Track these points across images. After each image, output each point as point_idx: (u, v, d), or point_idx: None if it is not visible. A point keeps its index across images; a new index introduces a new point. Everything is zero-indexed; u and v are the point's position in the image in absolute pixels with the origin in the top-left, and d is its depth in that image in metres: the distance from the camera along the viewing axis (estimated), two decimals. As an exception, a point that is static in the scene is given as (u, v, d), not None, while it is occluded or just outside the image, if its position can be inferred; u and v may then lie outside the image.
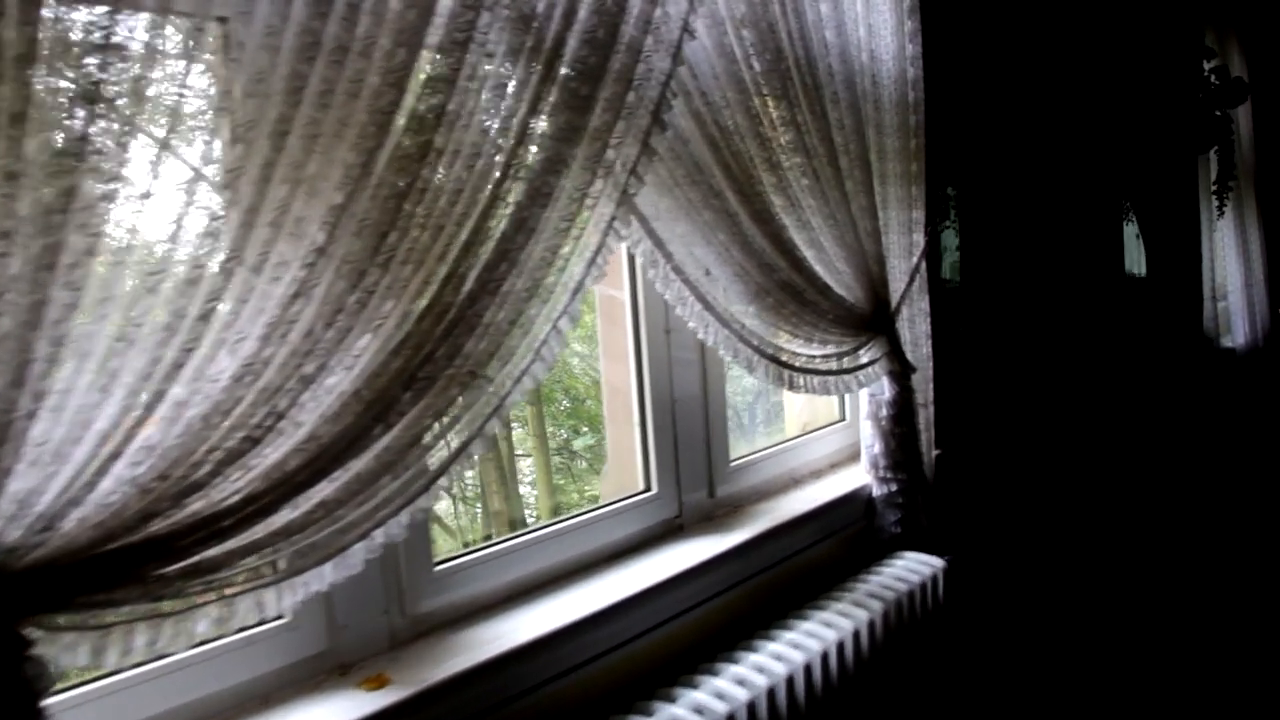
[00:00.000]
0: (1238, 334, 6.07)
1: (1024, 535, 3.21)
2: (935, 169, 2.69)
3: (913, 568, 2.23)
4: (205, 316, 1.06)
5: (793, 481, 2.42)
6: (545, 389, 4.39)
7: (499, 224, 1.33)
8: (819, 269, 2.05)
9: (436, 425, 1.30)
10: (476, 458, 1.38)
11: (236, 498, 1.11)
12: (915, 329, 2.43)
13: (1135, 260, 4.55)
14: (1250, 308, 6.14)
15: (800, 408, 2.75)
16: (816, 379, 2.06)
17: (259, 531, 1.13)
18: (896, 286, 2.33)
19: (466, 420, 1.33)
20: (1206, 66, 4.62)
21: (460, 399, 1.31)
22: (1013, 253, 3.26)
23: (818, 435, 2.55)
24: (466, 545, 2.00)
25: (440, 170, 1.27)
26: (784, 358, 1.97)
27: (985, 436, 3.05)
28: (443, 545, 3.57)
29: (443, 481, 1.31)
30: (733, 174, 1.79)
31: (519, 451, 4.20)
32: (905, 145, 2.38)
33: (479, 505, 4.02)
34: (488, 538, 1.88)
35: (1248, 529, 4.22)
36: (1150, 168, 4.23)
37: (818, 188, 2.02)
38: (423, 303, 1.26)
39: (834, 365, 2.10)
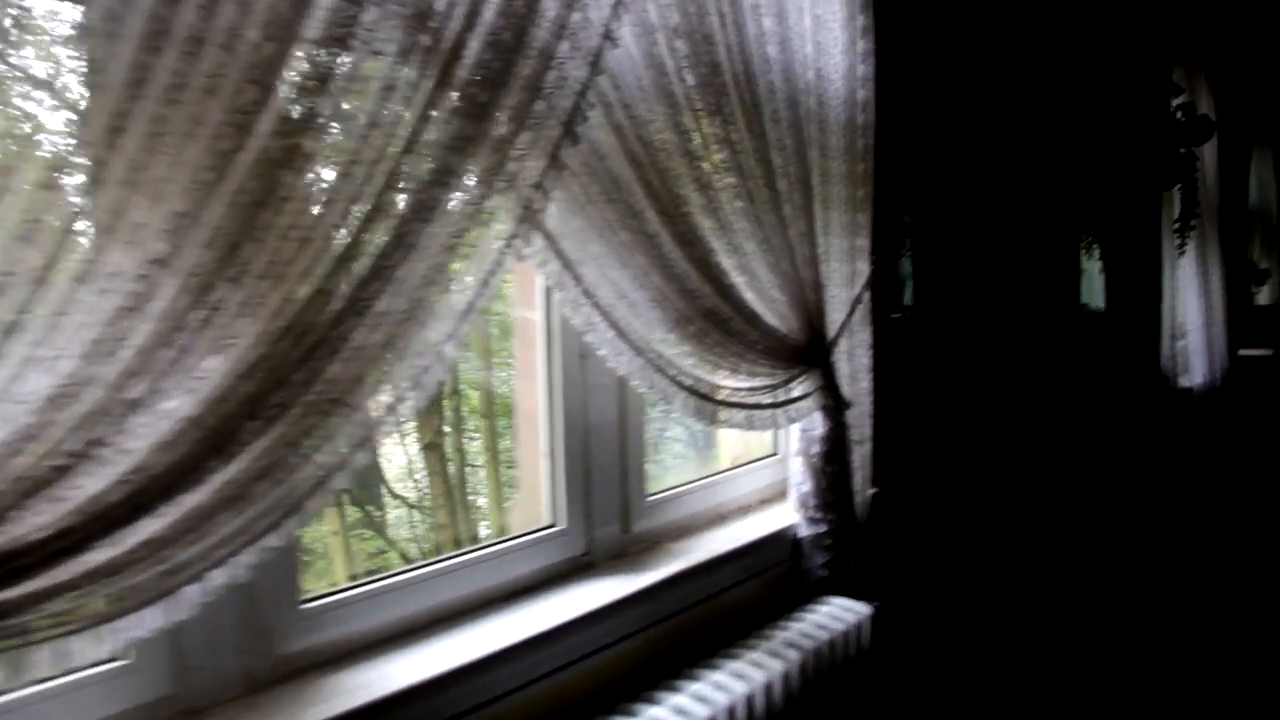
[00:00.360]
0: (1196, 374, 6.08)
1: (961, 580, 3.14)
2: (888, 195, 2.63)
3: (837, 614, 2.15)
4: (9, 330, 0.95)
5: (718, 518, 2.33)
6: (499, 403, 4.28)
7: (376, 238, 1.23)
8: (750, 296, 1.97)
9: (292, 457, 1.19)
10: (340, 490, 1.28)
11: (43, 533, 1.00)
12: (855, 362, 2.36)
13: (1094, 295, 4.52)
14: (1209, 347, 6.16)
15: (734, 439, 2.66)
16: (742, 413, 1.97)
17: (67, 572, 1.02)
18: (836, 317, 2.26)
19: (327, 452, 1.22)
20: (1173, 103, 4.61)
21: (319, 429, 1.21)
22: (968, 283, 3.21)
23: (748, 469, 2.47)
24: (349, 579, 1.89)
25: (308, 178, 1.17)
26: (705, 390, 1.88)
27: (928, 475, 2.99)
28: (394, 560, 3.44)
29: (294, 520, 1.20)
30: (656, 193, 1.71)
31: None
32: (852, 169, 2.31)
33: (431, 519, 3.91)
34: (370, 573, 1.78)
35: (1196, 573, 4.20)
36: (1113, 202, 4.20)
37: (752, 210, 1.94)
38: (281, 323, 1.16)
39: (762, 399, 2.02)
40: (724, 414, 1.92)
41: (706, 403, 1.88)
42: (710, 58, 1.84)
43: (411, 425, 2.94)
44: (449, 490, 3.75)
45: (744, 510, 2.40)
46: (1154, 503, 4.75)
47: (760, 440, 2.57)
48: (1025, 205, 3.49)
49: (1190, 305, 5.85)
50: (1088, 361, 4.19)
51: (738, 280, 1.93)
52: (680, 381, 1.81)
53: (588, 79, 1.52)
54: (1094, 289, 4.57)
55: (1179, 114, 4.57)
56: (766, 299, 2.01)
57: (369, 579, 1.65)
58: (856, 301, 2.33)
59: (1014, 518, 3.49)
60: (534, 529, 1.93)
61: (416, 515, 3.87)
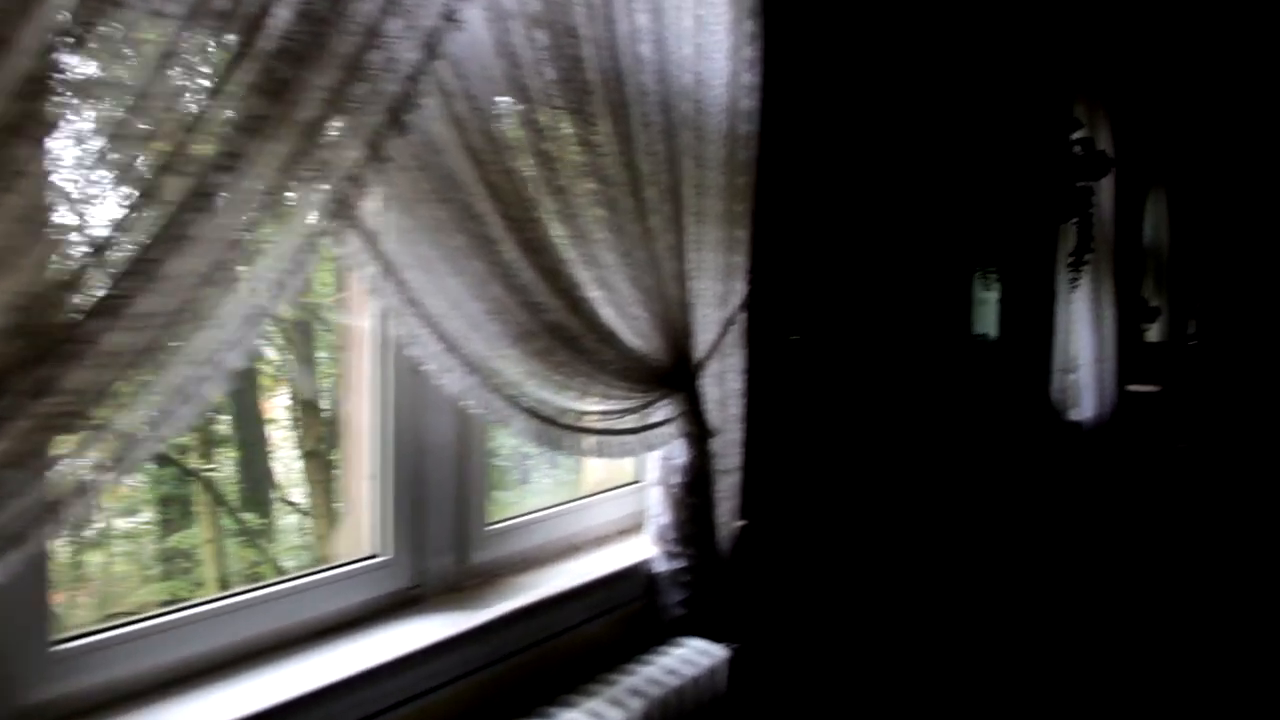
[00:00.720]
0: (1086, 407, 6.23)
1: (831, 620, 3.09)
2: (772, 212, 2.56)
3: (690, 657, 2.05)
4: None
5: (571, 549, 2.21)
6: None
7: (139, 227, 1.08)
8: (608, 313, 1.86)
9: (15, 478, 1.03)
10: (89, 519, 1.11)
11: None
12: (725, 386, 2.27)
13: (987, 326, 4.56)
14: (1100, 382, 6.32)
15: (600, 463, 2.55)
16: (591, 439, 1.86)
17: None
18: (705, 338, 2.17)
19: (61, 475, 1.06)
20: (1072, 137, 4.69)
21: (52, 446, 1.05)
22: (855, 308, 3.16)
23: (608, 497, 2.35)
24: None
25: (49, 154, 1.01)
26: (549, 413, 1.76)
27: (803, 507, 2.93)
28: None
29: (14, 552, 1.03)
30: (501, 194, 1.58)
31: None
32: (731, 182, 2.22)
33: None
34: (167, 604, 1.60)
35: (1077, 610, 4.25)
36: (1009, 232, 4.24)
37: (614, 220, 1.84)
38: (8, 320, 1.00)
39: (615, 424, 1.91)
40: (570, 439, 1.80)
41: (550, 427, 1.76)
42: (573, 51, 1.72)
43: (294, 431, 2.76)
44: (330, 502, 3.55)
45: (600, 541, 2.29)
46: (1039, 536, 4.81)
47: (626, 465, 2.47)
48: (917, 231, 3.47)
49: (1083, 340, 5.99)
50: (977, 392, 4.21)
51: (594, 294, 1.82)
52: (520, 403, 1.69)
53: (422, 63, 1.39)
54: (989, 319, 4.62)
55: (1077, 148, 4.64)
56: (626, 316, 1.90)
57: (152, 613, 1.48)
58: (729, 322, 2.24)
59: (893, 553, 3.46)
60: (355, 558, 1.78)
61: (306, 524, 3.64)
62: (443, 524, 1.88)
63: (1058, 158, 4.46)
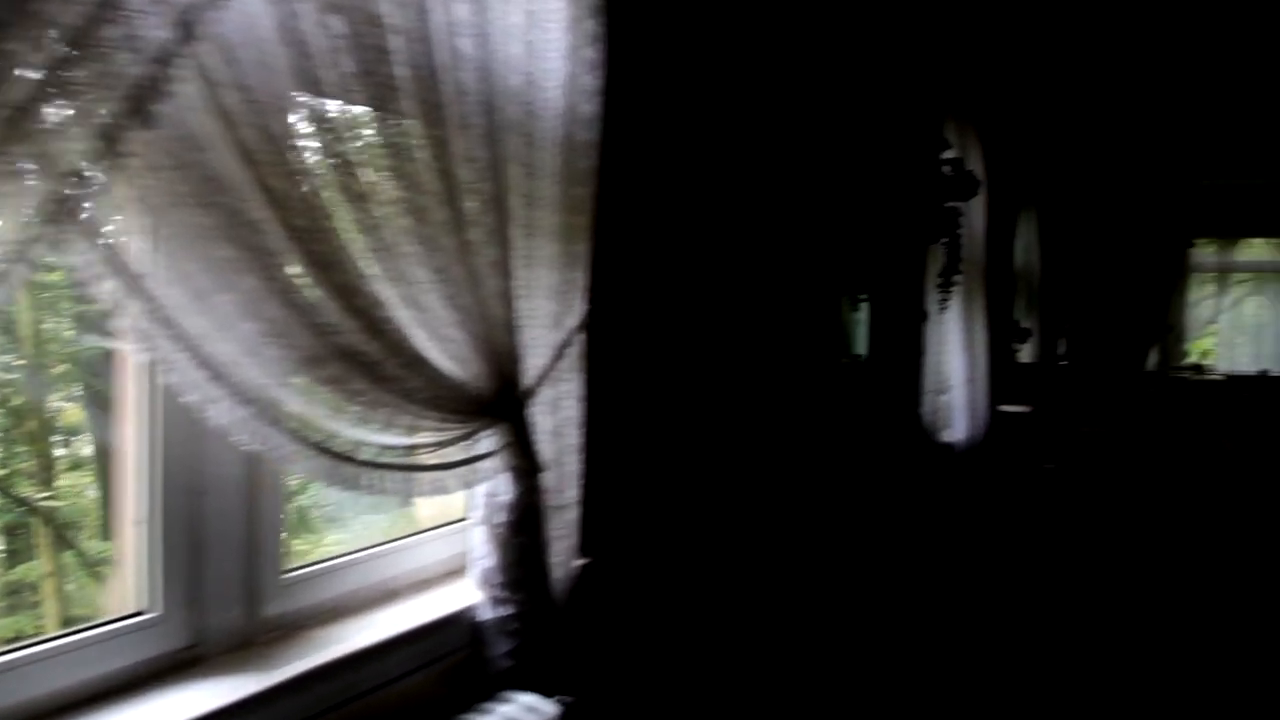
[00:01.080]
0: (958, 429, 6.33)
1: (682, 668, 2.97)
2: (616, 226, 2.45)
3: (515, 715, 1.90)
4: None
5: (388, 595, 2.04)
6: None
7: None
8: (419, 335, 1.70)
9: None
10: None
11: None
12: (560, 414, 2.13)
13: (854, 348, 4.56)
14: (972, 403, 6.43)
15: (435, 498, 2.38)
16: (397, 476, 1.70)
17: None
18: (536, 362, 2.03)
19: None
20: (942, 157, 4.74)
21: None
22: (707, 330, 3.08)
23: (434, 536, 2.19)
24: None
25: None
26: (343, 448, 1.59)
27: (650, 543, 2.81)
28: None
29: None
30: (281, 200, 1.41)
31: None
32: (568, 193, 2.09)
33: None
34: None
35: (948, 639, 4.25)
36: (876, 253, 4.24)
37: (425, 232, 1.68)
38: None
39: (425, 459, 1.75)
40: (370, 477, 1.64)
41: (344, 463, 1.59)
42: (376, 42, 1.57)
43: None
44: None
45: (423, 586, 2.12)
46: (909, 564, 4.82)
47: (461, 500, 2.30)
48: (778, 249, 3.41)
49: (954, 361, 6.07)
50: (845, 415, 4.18)
51: (401, 314, 1.66)
52: (306, 437, 1.51)
53: (175, 44, 1.21)
54: (855, 343, 4.61)
55: (947, 169, 4.69)
56: (441, 339, 1.75)
57: None
58: (565, 345, 2.11)
59: (752, 590, 3.37)
60: (119, 616, 1.58)
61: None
62: (227, 573, 1.68)
63: (927, 177, 4.49)
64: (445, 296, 1.73)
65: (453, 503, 2.30)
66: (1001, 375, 7.51)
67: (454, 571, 2.19)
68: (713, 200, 3.06)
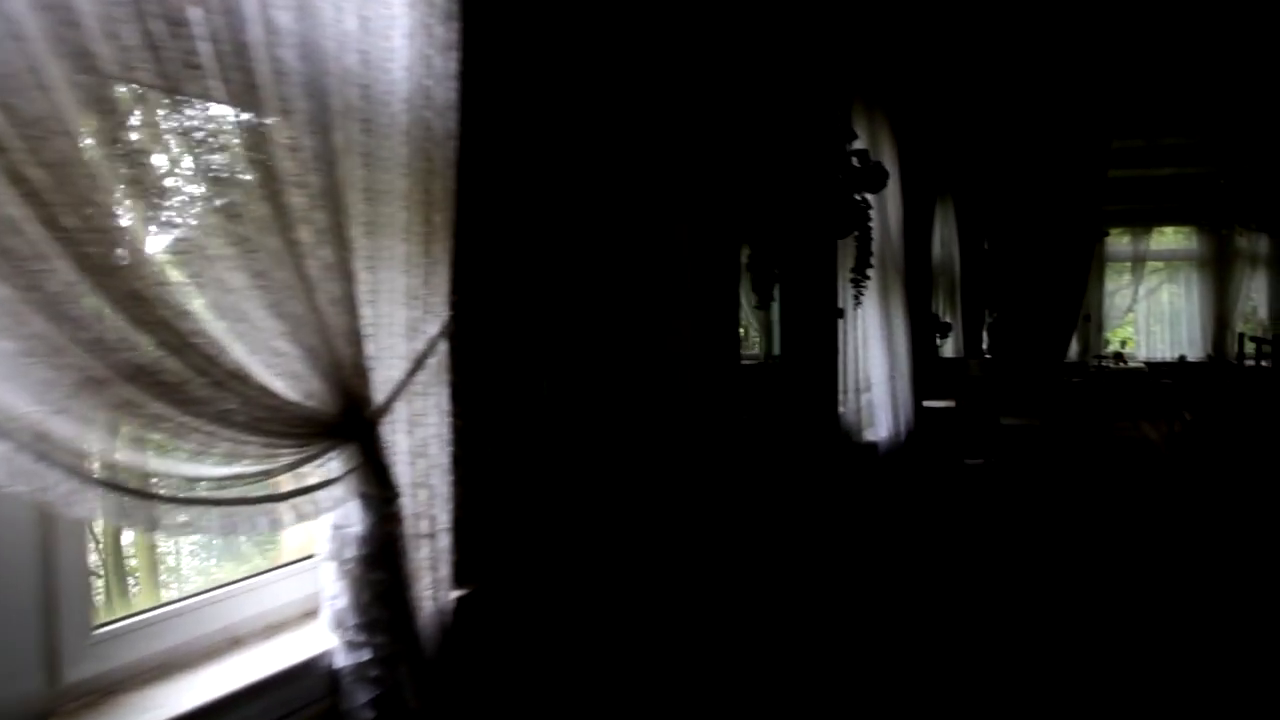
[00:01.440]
0: (881, 427, 6.26)
1: (582, 698, 2.80)
2: (487, 224, 2.29)
3: (376, 773, 1.71)
4: None
5: (231, 644, 1.83)
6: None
7: None
8: (237, 349, 1.50)
9: None
10: None
11: None
12: (422, 432, 1.95)
13: (764, 348, 4.44)
14: (894, 400, 6.37)
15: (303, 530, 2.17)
16: (212, 512, 1.49)
17: None
18: (389, 375, 1.84)
19: None
20: (849, 148, 4.66)
21: None
22: (594, 332, 2.92)
23: (285, 574, 1.98)
24: None
25: None
26: (135, 483, 1.38)
27: (540, 566, 2.63)
28: None
29: None
30: (39, 195, 1.21)
31: None
32: (422, 188, 1.91)
33: None
34: None
35: (870, 647, 4.15)
36: (784, 248, 4.12)
37: (238, 231, 1.49)
38: None
39: (250, 491, 1.55)
40: (172, 515, 1.43)
41: (139, 500, 1.38)
42: (164, 11, 1.38)
43: None
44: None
45: (272, 631, 1.91)
46: (825, 569, 4.71)
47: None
48: (666, 249, 3.27)
49: (874, 358, 6.01)
50: (755, 418, 4.05)
51: (214, 326, 1.46)
52: (86, 473, 1.31)
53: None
54: (765, 343, 4.50)
55: (854, 159, 4.60)
56: (266, 352, 1.55)
57: None
58: (425, 354, 1.92)
59: (656, 611, 3.21)
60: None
61: None
62: (18, 636, 1.47)
63: (832, 167, 4.39)
64: (269, 304, 1.54)
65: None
66: (925, 371, 7.50)
67: (310, 613, 1.99)
68: (593, 193, 2.90)
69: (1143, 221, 14.80)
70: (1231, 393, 9.06)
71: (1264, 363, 9.99)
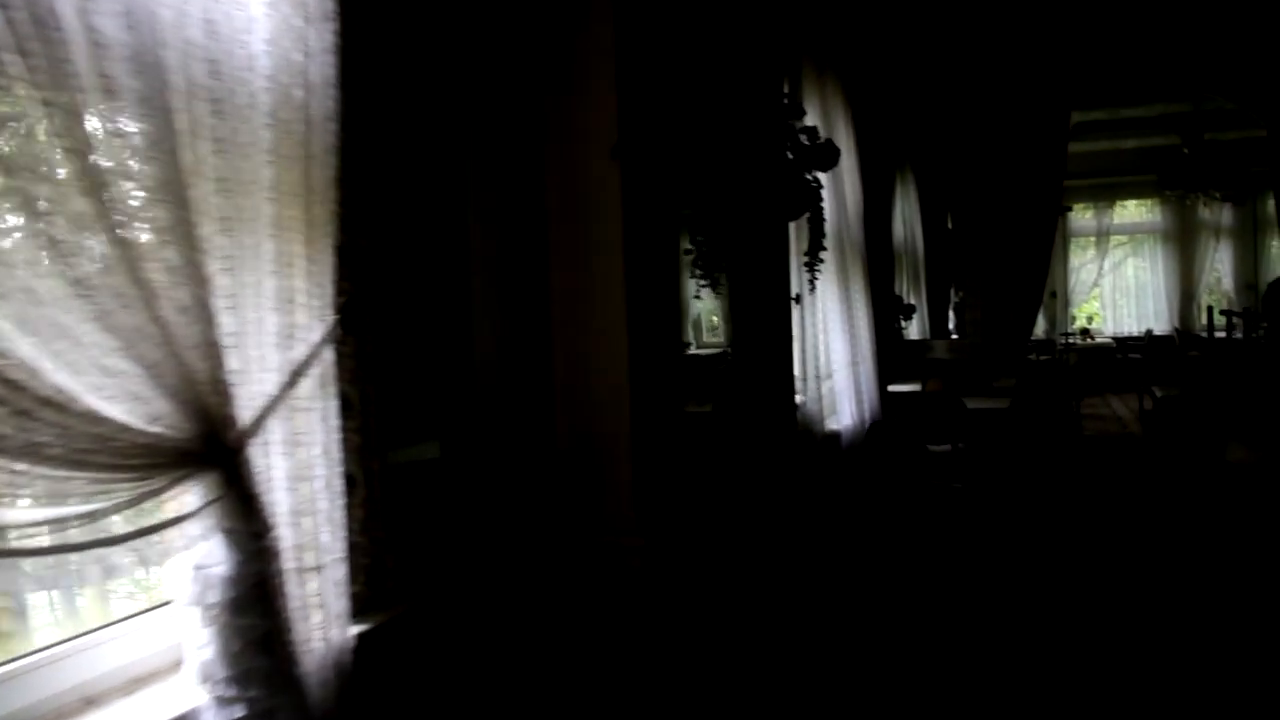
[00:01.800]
0: (844, 415, 6.09)
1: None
2: (385, 215, 2.08)
3: None
4: None
5: (83, 703, 1.62)
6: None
7: None
8: (51, 370, 1.29)
9: None
10: None
11: None
12: (304, 452, 1.74)
13: (729, 336, 4.25)
14: (857, 386, 6.20)
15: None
16: (28, 565, 1.28)
17: None
18: (259, 390, 1.63)
19: None
20: (798, 126, 4.47)
21: None
22: (513, 327, 2.72)
23: (148, 622, 1.77)
24: None
25: None
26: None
27: (467, 587, 2.44)
28: None
29: None
30: None
31: None
32: (297, 177, 1.71)
33: None
34: None
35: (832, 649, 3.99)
36: (732, 231, 3.94)
37: (50, 232, 1.28)
38: None
39: (75, 534, 1.34)
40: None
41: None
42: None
43: None
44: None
45: (138, 684, 1.70)
46: (785, 570, 4.55)
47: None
48: (590, 230, 3.06)
49: (835, 344, 5.83)
50: (706, 410, 3.87)
51: (19, 345, 1.25)
52: None
53: None
54: (715, 325, 4.32)
55: (803, 137, 4.42)
56: (95, 371, 1.34)
57: None
58: (306, 364, 1.72)
59: (594, 634, 3.03)
60: None
61: None
62: None
63: (779, 143, 4.21)
64: (93, 316, 1.33)
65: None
66: (889, 355, 7.34)
67: (179, 663, 1.78)
68: (506, 172, 2.70)
69: (1106, 196, 14.79)
70: (1203, 367, 9.00)
71: (1236, 334, 9.99)
